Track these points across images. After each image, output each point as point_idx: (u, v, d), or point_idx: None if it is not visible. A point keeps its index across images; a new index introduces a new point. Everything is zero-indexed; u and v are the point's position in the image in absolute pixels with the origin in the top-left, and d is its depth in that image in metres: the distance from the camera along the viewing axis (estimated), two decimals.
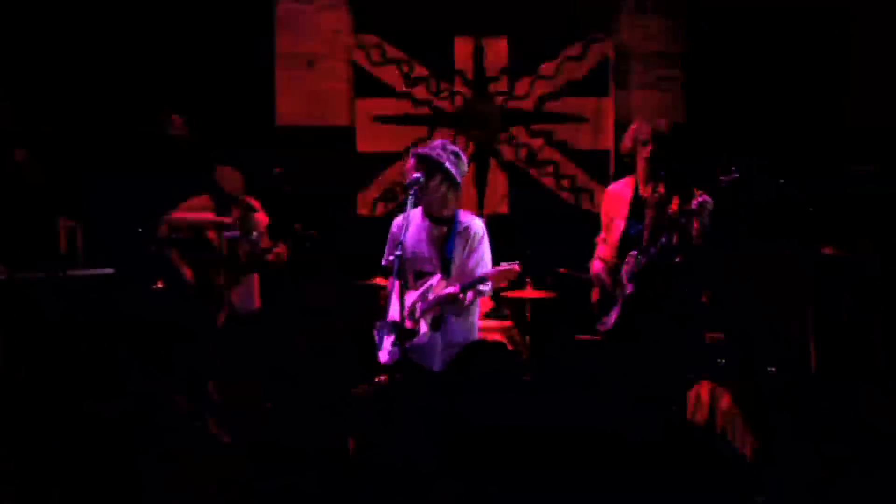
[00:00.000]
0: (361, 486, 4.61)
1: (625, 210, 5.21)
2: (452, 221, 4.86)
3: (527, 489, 4.36)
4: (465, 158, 4.89)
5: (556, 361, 6.37)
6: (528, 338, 6.63)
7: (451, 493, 4.41)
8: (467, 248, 4.84)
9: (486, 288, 4.80)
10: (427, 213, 4.89)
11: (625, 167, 6.89)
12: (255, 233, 6.06)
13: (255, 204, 6.25)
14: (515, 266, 4.69)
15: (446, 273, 4.80)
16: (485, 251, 4.88)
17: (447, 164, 4.77)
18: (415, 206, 4.72)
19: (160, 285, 5.74)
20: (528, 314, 6.68)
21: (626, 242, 5.18)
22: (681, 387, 5.22)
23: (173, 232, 5.99)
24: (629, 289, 5.09)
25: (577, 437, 4.68)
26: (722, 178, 4.91)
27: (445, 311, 4.78)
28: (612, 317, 5.19)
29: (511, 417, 4.83)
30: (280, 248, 6.22)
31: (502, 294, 6.62)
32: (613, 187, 5.42)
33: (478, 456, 4.53)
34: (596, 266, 5.32)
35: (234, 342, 6.14)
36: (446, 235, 4.85)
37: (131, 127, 6.85)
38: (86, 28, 6.91)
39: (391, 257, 4.64)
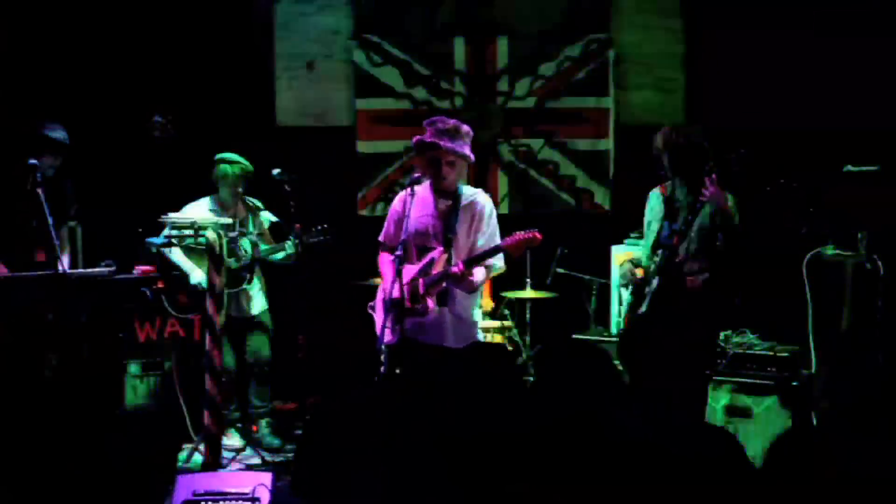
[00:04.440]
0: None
1: (661, 214, 5.25)
2: (457, 194, 4.85)
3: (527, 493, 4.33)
4: (464, 128, 4.84)
5: (556, 361, 6.34)
6: (528, 338, 6.63)
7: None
8: (474, 225, 4.81)
9: (498, 262, 4.77)
10: (434, 188, 4.88)
11: (625, 167, 6.85)
12: (255, 233, 6.06)
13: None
14: (535, 233, 4.63)
15: (448, 247, 4.76)
16: (494, 228, 4.85)
17: (448, 145, 4.75)
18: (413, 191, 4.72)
19: (160, 285, 5.72)
20: (528, 314, 6.68)
21: (657, 246, 5.22)
22: (696, 385, 5.21)
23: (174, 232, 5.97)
24: (655, 283, 5.12)
25: (578, 439, 4.64)
26: (734, 157, 4.88)
27: (451, 285, 4.72)
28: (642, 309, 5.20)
29: (510, 419, 4.79)
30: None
31: (502, 294, 6.62)
32: (653, 192, 5.41)
33: (476, 459, 4.50)
34: (635, 272, 5.34)
35: (236, 343, 6.14)
36: (451, 209, 4.83)
37: (125, 129, 6.84)
38: (85, 30, 6.91)
39: (398, 253, 4.61)
